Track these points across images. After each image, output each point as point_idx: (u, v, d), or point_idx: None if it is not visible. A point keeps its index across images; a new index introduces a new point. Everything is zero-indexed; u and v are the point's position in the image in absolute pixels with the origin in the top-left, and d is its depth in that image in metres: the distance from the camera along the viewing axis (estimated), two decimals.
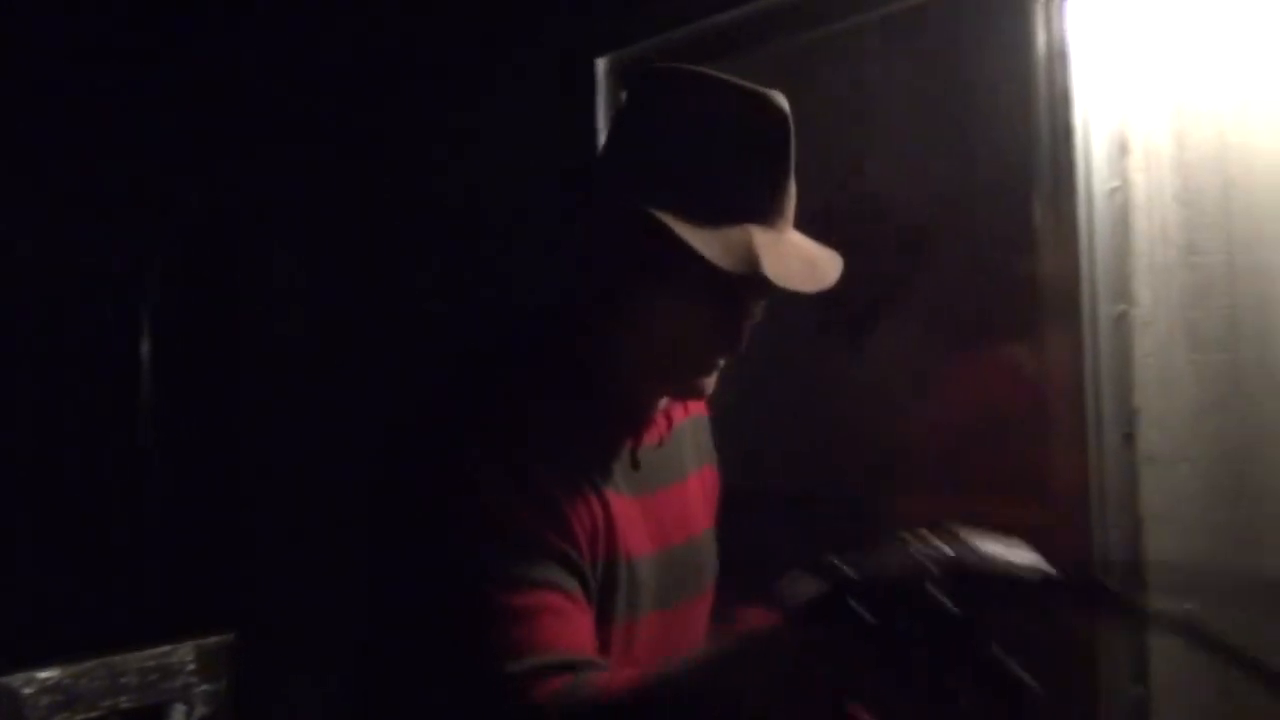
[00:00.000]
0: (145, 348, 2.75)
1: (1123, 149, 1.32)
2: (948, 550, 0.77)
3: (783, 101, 1.04)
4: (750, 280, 0.99)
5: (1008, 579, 0.76)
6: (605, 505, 1.07)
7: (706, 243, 0.96)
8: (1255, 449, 1.25)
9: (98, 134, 2.63)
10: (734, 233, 0.98)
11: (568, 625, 0.95)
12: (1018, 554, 0.78)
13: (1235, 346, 1.27)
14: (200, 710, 1.68)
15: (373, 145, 2.43)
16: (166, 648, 1.64)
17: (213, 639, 1.69)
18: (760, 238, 0.99)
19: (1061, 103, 1.37)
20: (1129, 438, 1.30)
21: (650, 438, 1.16)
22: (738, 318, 1.06)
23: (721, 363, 1.09)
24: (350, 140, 2.48)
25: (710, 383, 1.11)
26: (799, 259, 1.03)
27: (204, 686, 1.68)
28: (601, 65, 1.95)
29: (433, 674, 0.98)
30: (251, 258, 2.76)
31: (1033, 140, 1.42)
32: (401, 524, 1.04)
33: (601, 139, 1.93)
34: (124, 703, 1.58)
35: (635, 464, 1.13)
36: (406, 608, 1.02)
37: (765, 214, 1.02)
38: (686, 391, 1.15)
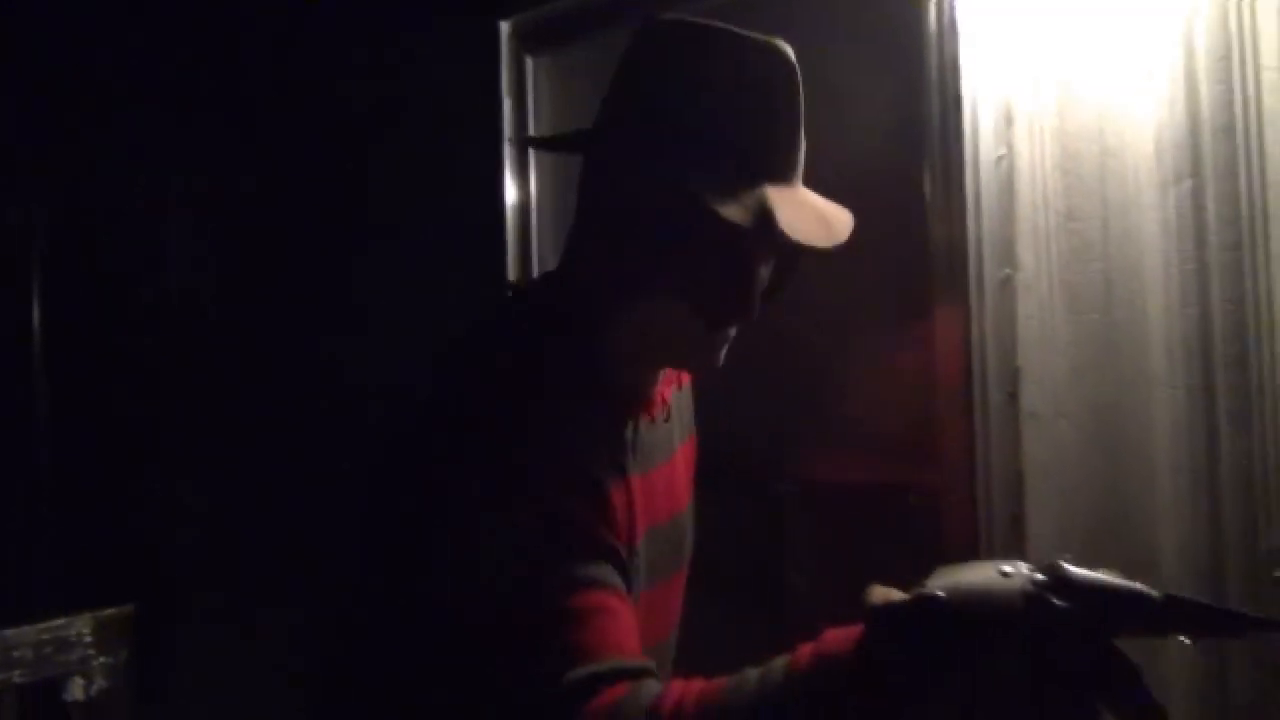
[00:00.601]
0: (35, 314, 2.66)
1: (1008, 119, 1.37)
2: (1050, 580, 0.71)
3: (790, 52, 1.00)
4: (762, 239, 0.95)
5: (1115, 595, 0.70)
6: (629, 490, 1.03)
7: (721, 200, 0.92)
8: (1126, 405, 1.33)
9: None
10: (748, 189, 0.94)
11: (620, 625, 0.90)
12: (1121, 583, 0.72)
13: (1109, 308, 1.33)
14: (99, 684, 1.63)
15: (265, 111, 2.38)
16: (62, 620, 1.59)
17: (111, 611, 1.65)
18: (774, 193, 0.95)
19: (951, 74, 1.42)
20: (1012, 395, 1.36)
21: (651, 414, 1.12)
22: (748, 281, 1.01)
23: (732, 332, 1.05)
24: (244, 107, 2.42)
25: (721, 354, 1.06)
26: (812, 215, 0.99)
27: (103, 659, 1.63)
28: (505, 28, 1.94)
29: (480, 680, 0.91)
30: (143, 228, 2.68)
31: (923, 110, 1.47)
32: (437, 522, 0.95)
33: (506, 102, 1.93)
34: (18, 677, 1.53)
35: (638, 443, 1.09)
36: (450, 609, 0.95)
37: (779, 169, 0.98)
38: (697, 363, 1.10)
